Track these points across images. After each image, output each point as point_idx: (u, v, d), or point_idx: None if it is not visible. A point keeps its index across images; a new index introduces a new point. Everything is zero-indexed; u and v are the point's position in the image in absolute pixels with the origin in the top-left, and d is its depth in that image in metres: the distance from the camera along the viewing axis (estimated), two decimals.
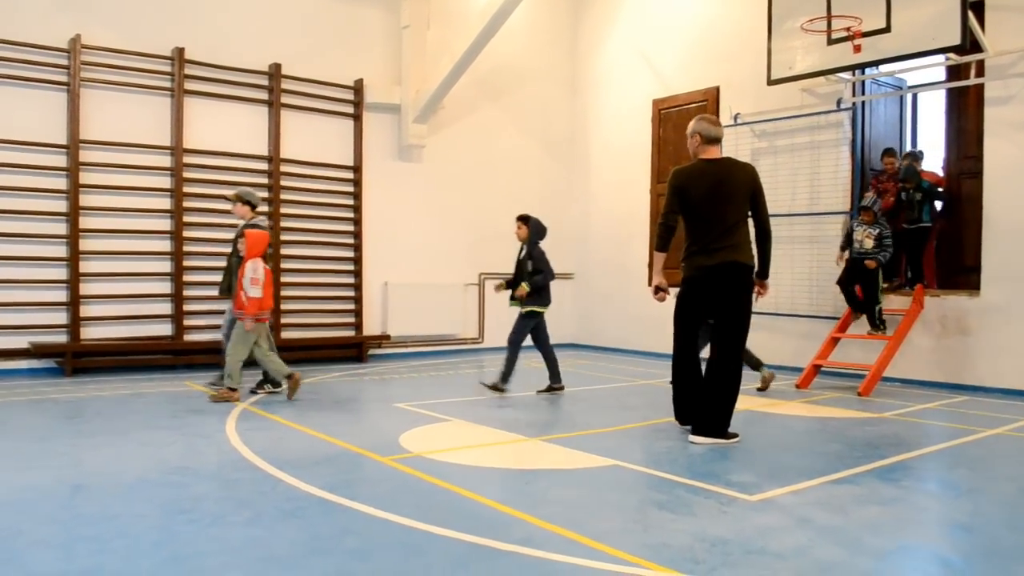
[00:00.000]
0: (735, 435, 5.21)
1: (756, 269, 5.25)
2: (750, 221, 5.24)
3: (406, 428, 5.50)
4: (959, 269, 7.93)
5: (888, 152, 8.03)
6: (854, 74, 8.26)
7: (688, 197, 5.16)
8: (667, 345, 9.82)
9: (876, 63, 7.50)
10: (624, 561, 3.05)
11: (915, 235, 7.92)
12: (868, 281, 7.67)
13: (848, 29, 7.43)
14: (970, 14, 6.84)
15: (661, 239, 5.35)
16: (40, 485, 3.96)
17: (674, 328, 5.40)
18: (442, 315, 10.22)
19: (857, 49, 7.46)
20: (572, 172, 11.69)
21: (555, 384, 7.22)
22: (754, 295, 5.28)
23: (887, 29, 7.25)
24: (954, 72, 7.99)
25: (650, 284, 10.33)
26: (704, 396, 5.20)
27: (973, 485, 4.27)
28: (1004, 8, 7.23)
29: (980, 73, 7.42)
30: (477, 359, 10.22)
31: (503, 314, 10.69)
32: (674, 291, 5.36)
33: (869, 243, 7.61)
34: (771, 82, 8.29)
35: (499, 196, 10.94)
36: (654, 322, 10.34)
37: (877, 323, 7.66)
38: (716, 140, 5.23)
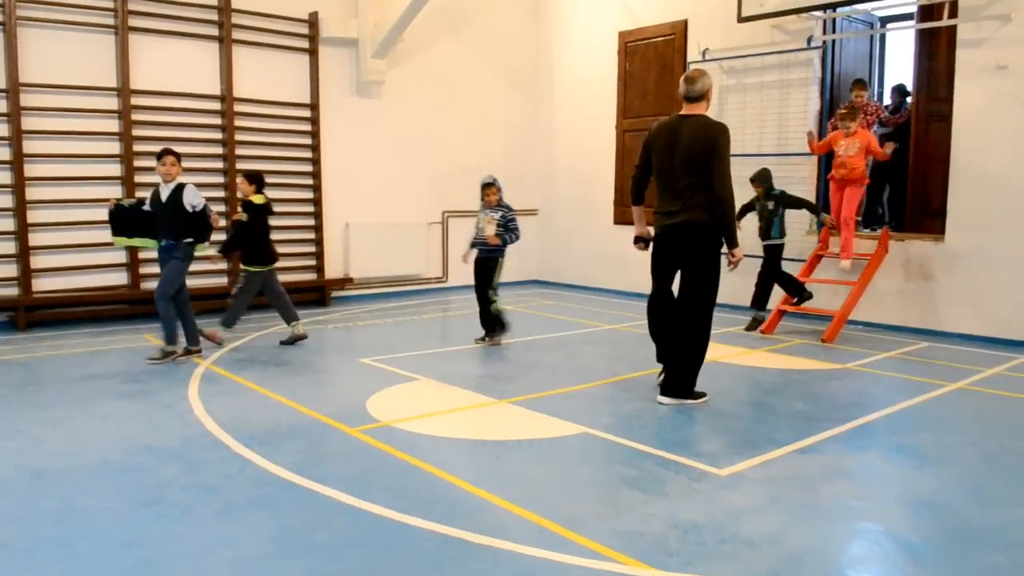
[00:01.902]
0: (702, 394, 5.25)
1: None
2: None
3: (373, 390, 5.44)
4: (925, 212, 7.96)
5: (859, 83, 7.81)
6: (826, 11, 8.04)
7: (651, 153, 5.17)
8: (629, 283, 10.03)
9: (850, 2, 7.30)
10: (597, 554, 3.06)
11: (768, 253, 7.71)
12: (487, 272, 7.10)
13: None
14: None
15: (632, 192, 5.44)
16: None
17: (651, 273, 5.40)
18: (406, 255, 10.08)
19: None
20: (536, 106, 11.40)
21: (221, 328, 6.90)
22: (729, 266, 5.20)
23: None
24: (926, 11, 7.83)
25: (615, 220, 10.36)
26: (670, 357, 5.24)
27: (937, 453, 4.35)
28: None
29: (953, 14, 7.27)
30: (442, 299, 10.15)
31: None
32: None
33: (492, 229, 7.00)
34: (742, 19, 8.08)
35: (462, 132, 10.66)
36: (617, 260, 10.35)
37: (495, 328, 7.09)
38: (691, 97, 5.04)
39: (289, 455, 4.11)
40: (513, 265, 11.19)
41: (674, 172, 5.03)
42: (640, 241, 5.55)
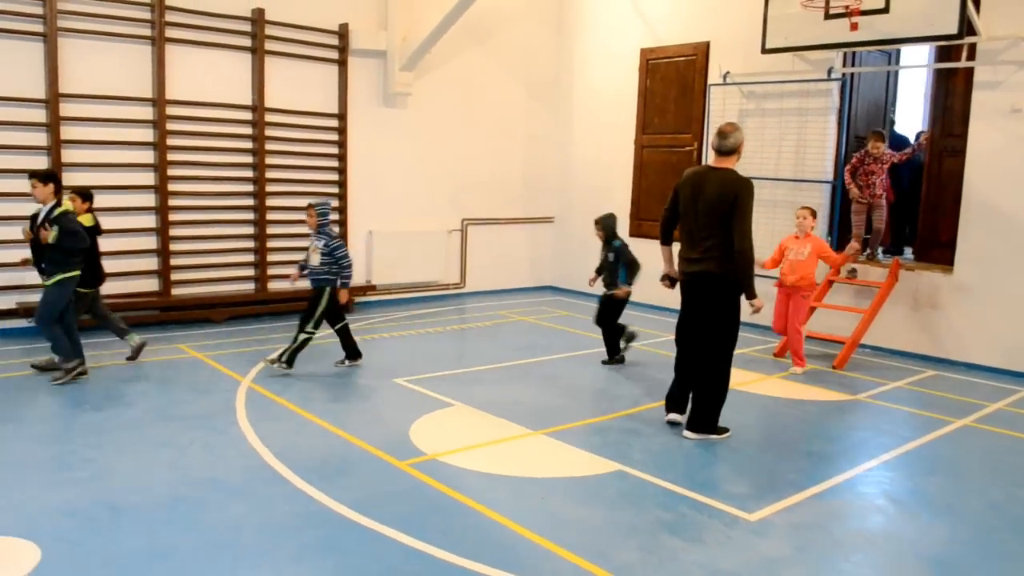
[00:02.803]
0: (725, 429, 5.55)
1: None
2: None
3: (413, 416, 5.71)
4: (935, 244, 8.24)
5: (876, 135, 8.08)
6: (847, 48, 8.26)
7: (679, 200, 5.44)
8: (643, 295, 10.28)
9: (872, 43, 7.54)
10: None
11: (606, 302, 7.45)
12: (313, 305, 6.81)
13: (847, 7, 7.41)
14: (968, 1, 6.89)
15: (661, 233, 5.76)
16: (77, 508, 4.09)
17: (676, 330, 5.65)
18: (426, 262, 10.32)
19: (854, 27, 7.48)
20: (555, 117, 11.60)
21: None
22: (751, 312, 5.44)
23: (885, 10, 7.27)
24: (944, 51, 8.06)
25: (631, 233, 10.59)
26: (695, 395, 5.54)
27: (947, 501, 4.66)
28: None
29: (972, 56, 7.51)
30: (460, 305, 10.41)
31: (485, 259, 10.88)
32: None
33: (316, 259, 6.71)
34: (765, 50, 8.28)
35: (482, 141, 10.87)
36: None
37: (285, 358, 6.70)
38: (722, 151, 5.27)
39: (348, 491, 4.38)
40: (527, 271, 11.53)
41: (696, 222, 5.29)
42: (667, 279, 5.81)
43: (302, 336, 6.68)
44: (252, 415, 5.65)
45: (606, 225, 7.41)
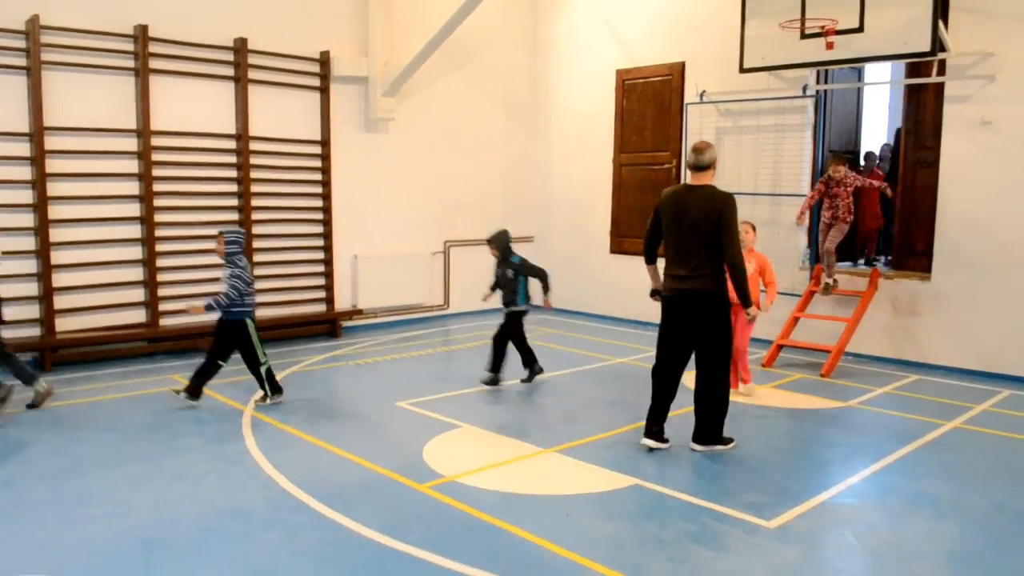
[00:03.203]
0: (730, 440, 5.67)
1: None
2: None
3: (423, 438, 5.74)
4: (911, 252, 8.52)
5: (836, 158, 8.13)
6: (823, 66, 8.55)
7: (660, 215, 5.47)
8: (625, 311, 10.45)
9: (848, 62, 7.82)
10: None
11: (509, 319, 7.29)
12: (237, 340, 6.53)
13: (823, 27, 7.69)
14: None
15: (644, 253, 5.75)
16: (103, 546, 4.04)
17: (657, 341, 5.61)
18: (410, 285, 10.36)
19: (830, 46, 7.75)
20: (533, 138, 11.75)
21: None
22: (748, 320, 5.60)
23: (860, 29, 7.55)
24: (914, 67, 8.39)
25: (612, 250, 10.77)
26: (698, 409, 5.57)
27: (952, 500, 4.82)
28: (968, 10, 7.60)
29: (941, 71, 7.83)
30: (445, 326, 10.45)
31: (467, 280, 10.95)
32: None
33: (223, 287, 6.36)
34: (743, 70, 8.53)
35: (463, 164, 10.97)
36: (613, 289, 10.80)
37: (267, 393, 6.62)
38: (699, 167, 5.36)
39: (375, 516, 4.39)
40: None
41: (683, 241, 5.33)
42: (656, 294, 5.78)
43: (263, 371, 6.53)
44: (261, 443, 5.62)
45: (500, 243, 7.25)
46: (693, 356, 5.55)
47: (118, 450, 5.47)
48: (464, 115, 10.89)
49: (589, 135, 11.00)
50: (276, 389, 6.64)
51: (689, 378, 5.73)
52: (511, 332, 7.31)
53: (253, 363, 6.52)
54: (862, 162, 9.88)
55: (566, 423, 6.28)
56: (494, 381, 7.29)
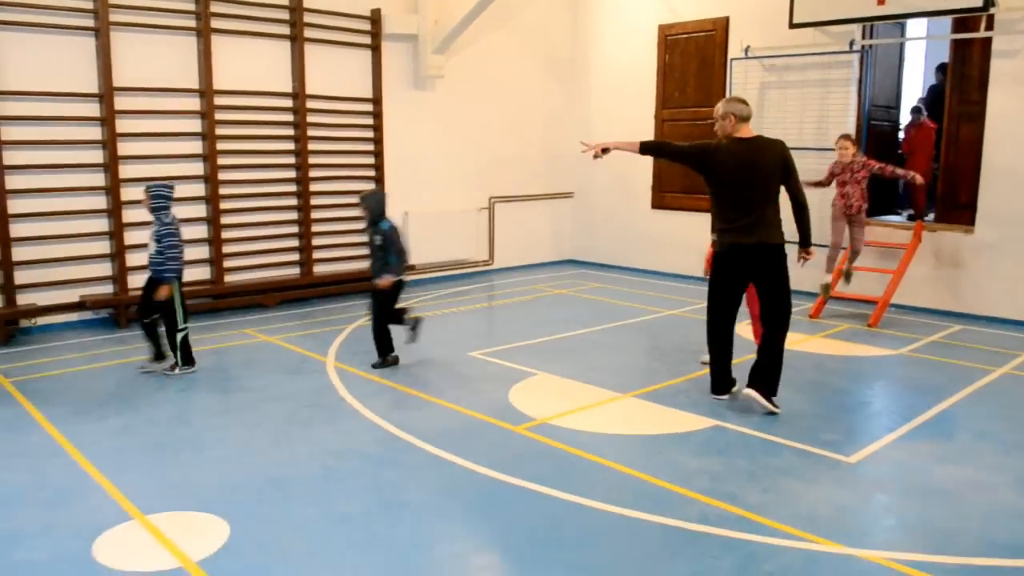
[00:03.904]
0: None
1: (799, 239, 5.52)
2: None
3: (504, 385, 6.03)
4: (954, 205, 8.72)
5: (845, 137, 8.00)
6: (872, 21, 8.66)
7: (720, 172, 5.37)
8: (665, 264, 10.70)
9: (900, 17, 7.95)
10: (793, 536, 3.76)
11: (380, 294, 6.51)
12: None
13: None
14: None
15: (652, 149, 5.80)
16: (237, 483, 4.35)
17: (709, 301, 5.64)
18: (458, 240, 10.60)
19: (881, 2, 7.87)
20: (573, 93, 11.86)
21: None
22: (800, 261, 5.63)
23: None
24: (960, 21, 8.49)
25: (653, 205, 10.95)
26: (768, 361, 5.47)
27: (1014, 438, 5.12)
28: None
29: (990, 26, 7.95)
30: (491, 281, 10.72)
31: (510, 235, 11.19)
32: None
33: (152, 246, 6.13)
34: (793, 25, 8.65)
35: (505, 120, 11.12)
36: (654, 242, 11.04)
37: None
38: (747, 119, 5.38)
39: (482, 455, 4.69)
40: (550, 246, 11.86)
41: (752, 193, 5.30)
42: (604, 151, 5.81)
43: (179, 337, 6.23)
44: (354, 391, 5.92)
45: (370, 204, 6.44)
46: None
47: (217, 400, 5.76)
48: (505, 71, 11.02)
49: (630, 90, 11.12)
50: (188, 359, 6.30)
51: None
52: (385, 307, 6.54)
53: (171, 327, 6.23)
54: (906, 117, 10.01)
55: (635, 370, 6.57)
56: (395, 361, 6.56)
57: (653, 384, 6.15)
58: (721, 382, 5.77)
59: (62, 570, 3.45)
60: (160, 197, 6.12)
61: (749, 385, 5.51)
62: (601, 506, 4.07)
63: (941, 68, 9.77)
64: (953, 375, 6.53)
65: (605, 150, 5.84)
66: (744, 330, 6.66)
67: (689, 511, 4.02)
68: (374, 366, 6.48)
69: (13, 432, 5.08)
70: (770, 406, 5.44)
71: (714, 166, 5.40)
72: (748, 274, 5.51)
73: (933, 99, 9.98)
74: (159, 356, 6.39)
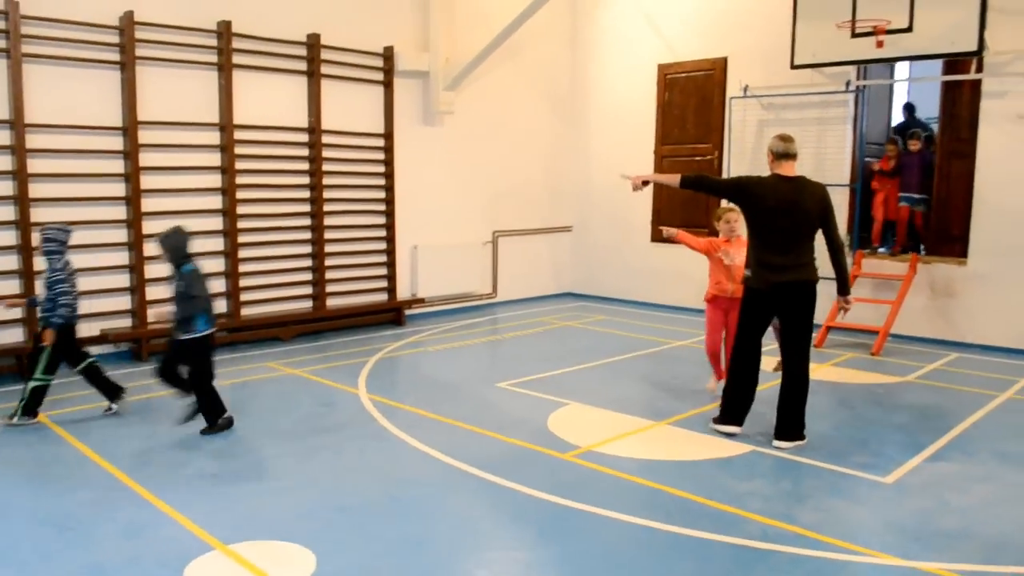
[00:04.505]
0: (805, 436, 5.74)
1: (837, 285, 5.60)
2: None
3: (540, 415, 6.18)
4: (947, 238, 9.14)
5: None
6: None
7: (759, 206, 5.41)
8: (665, 297, 10.97)
9: (897, 59, 8.39)
10: (860, 552, 3.98)
11: (178, 347, 5.67)
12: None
13: (874, 27, 8.23)
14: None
15: (692, 183, 5.69)
16: (305, 513, 4.44)
17: (736, 335, 5.73)
18: (464, 273, 10.77)
19: (880, 44, 8.31)
20: (573, 129, 12.17)
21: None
22: (841, 312, 5.79)
23: (909, 29, 8.11)
24: (951, 63, 8.98)
25: (653, 238, 11.23)
26: (790, 403, 5.54)
27: None
28: (1005, 11, 8.17)
29: (980, 68, 8.43)
30: (496, 314, 10.89)
31: (512, 268, 11.41)
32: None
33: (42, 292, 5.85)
34: (795, 66, 9.06)
35: (509, 155, 11.38)
36: (654, 275, 11.31)
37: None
38: (789, 156, 5.44)
39: (540, 481, 4.83)
40: (550, 279, 12.09)
41: (793, 230, 5.38)
42: (643, 183, 5.92)
43: (31, 384, 5.81)
44: (395, 422, 6.01)
45: (170, 245, 5.58)
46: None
47: (264, 432, 5.81)
48: (509, 107, 11.30)
49: (629, 126, 11.46)
50: (30, 410, 5.87)
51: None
52: (180, 363, 5.71)
53: (32, 371, 5.86)
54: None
55: (660, 399, 6.76)
56: (221, 426, 5.72)
57: (684, 412, 6.35)
58: (738, 412, 5.75)
59: None
60: (52, 241, 5.75)
61: (777, 438, 5.55)
62: (668, 528, 4.23)
63: (907, 107, 10.33)
64: (961, 400, 6.84)
65: (645, 182, 6.00)
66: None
67: (751, 530, 4.21)
68: (203, 433, 5.67)
69: (65, 467, 5.10)
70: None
71: (755, 200, 5.43)
72: (778, 309, 5.60)
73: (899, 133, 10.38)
74: (115, 391, 6.13)
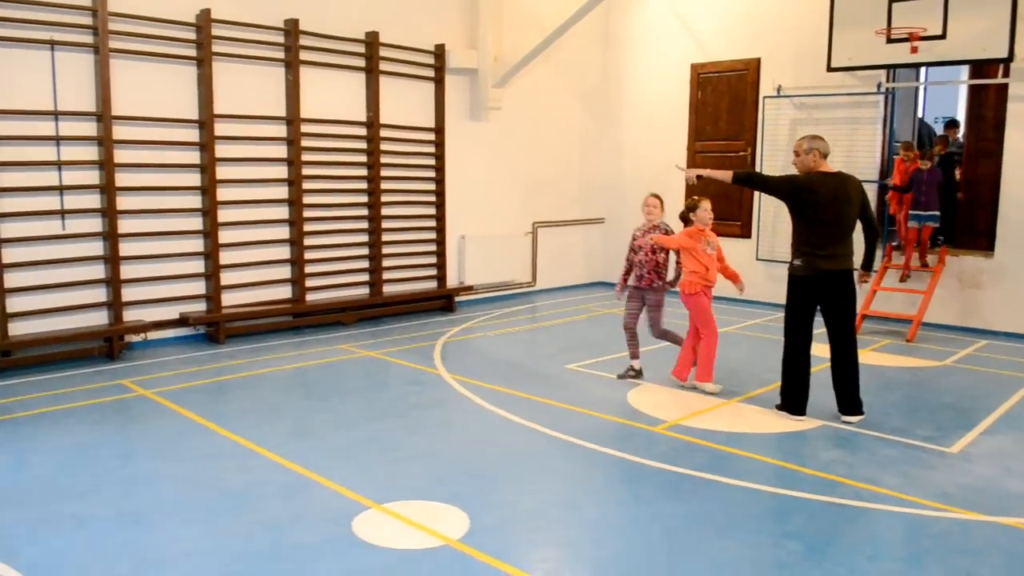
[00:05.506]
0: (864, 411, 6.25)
1: (864, 261, 6.14)
2: None
3: (619, 393, 6.62)
4: (973, 232, 9.66)
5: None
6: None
7: (812, 200, 5.82)
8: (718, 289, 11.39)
9: (930, 64, 8.89)
10: (945, 510, 4.44)
11: None
12: None
13: (909, 33, 8.72)
14: None
15: (744, 179, 6.21)
16: (439, 477, 4.85)
17: (786, 324, 6.07)
18: (507, 263, 11.20)
19: (914, 50, 8.80)
20: (606, 125, 12.61)
21: None
22: (860, 283, 6.17)
23: (943, 36, 8.61)
24: (977, 67, 9.49)
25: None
26: (847, 382, 6.01)
27: None
28: None
29: (1006, 73, 8.95)
30: (537, 301, 11.33)
31: (549, 258, 11.84)
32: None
33: None
34: (831, 69, 9.55)
35: (546, 149, 11.80)
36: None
37: None
38: (828, 155, 6.06)
39: (645, 451, 5.27)
40: (582, 269, 12.53)
41: (842, 221, 5.84)
42: (698, 178, 6.49)
43: None
44: (486, 399, 6.42)
45: None
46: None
47: (367, 408, 6.21)
48: (547, 104, 11.72)
49: (662, 123, 11.91)
50: None
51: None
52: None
53: None
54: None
55: (725, 379, 7.18)
56: None
57: (750, 391, 6.81)
58: (800, 402, 6.09)
59: (338, 550, 3.89)
60: None
61: (844, 414, 6.05)
62: (772, 489, 4.69)
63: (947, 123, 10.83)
64: (1000, 381, 7.36)
65: (699, 176, 6.45)
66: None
67: (845, 491, 4.68)
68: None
69: (195, 439, 5.46)
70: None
71: (812, 197, 5.85)
72: (824, 296, 6.00)
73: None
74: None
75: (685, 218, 6.98)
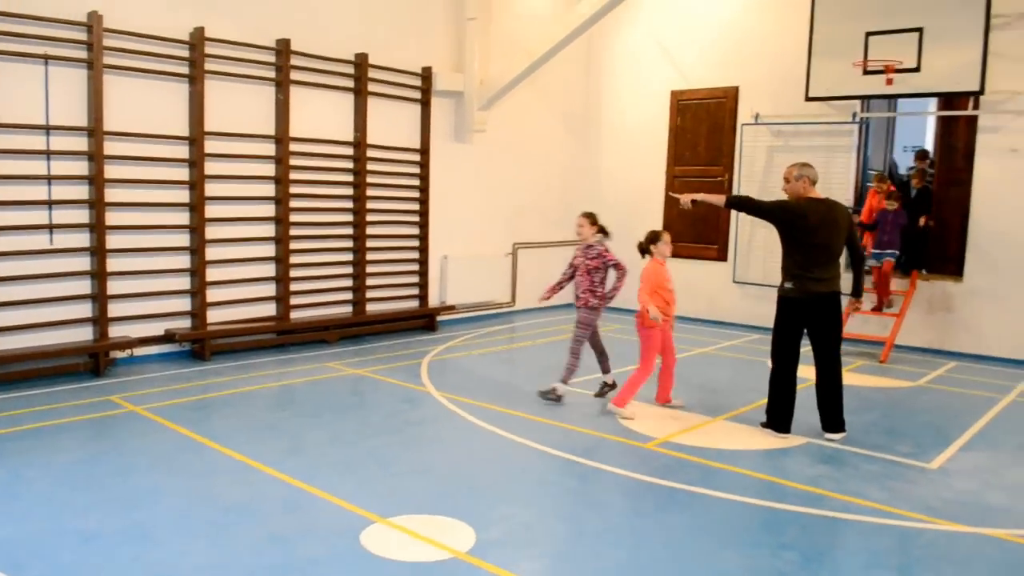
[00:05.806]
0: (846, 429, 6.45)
1: (853, 288, 6.39)
2: None
3: (608, 413, 6.72)
4: (944, 258, 9.99)
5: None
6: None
7: (804, 225, 5.99)
8: (678, 309, 11.59)
9: (905, 96, 9.23)
10: (930, 522, 4.62)
11: None
12: None
13: (886, 66, 9.06)
14: None
15: (736, 204, 6.40)
16: (439, 492, 4.91)
17: (775, 344, 6.24)
18: (487, 283, 11.32)
19: (889, 82, 9.14)
20: (586, 149, 12.83)
21: None
22: (852, 311, 6.52)
23: (917, 69, 8.96)
24: (947, 99, 9.87)
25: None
26: (830, 401, 6.22)
27: None
28: (1001, 55, 9.08)
29: (976, 105, 9.32)
30: (516, 321, 11.43)
31: (528, 279, 11.97)
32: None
33: None
34: (809, 98, 9.86)
35: (527, 171, 11.97)
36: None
37: None
38: (816, 182, 6.24)
39: (638, 466, 5.39)
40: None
41: (831, 248, 6.04)
42: (692, 203, 6.49)
43: None
44: (476, 416, 6.50)
45: None
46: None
47: (361, 425, 6.25)
48: (529, 127, 11.91)
49: (641, 148, 12.16)
50: None
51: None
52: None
53: None
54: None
55: (707, 398, 7.37)
56: None
57: (733, 410, 6.97)
58: (786, 420, 6.25)
59: (348, 562, 3.94)
60: None
61: (827, 431, 6.24)
62: (764, 503, 4.84)
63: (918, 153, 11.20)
64: (971, 401, 7.62)
65: (694, 201, 6.63)
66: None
67: (833, 504, 4.84)
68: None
69: (191, 454, 5.46)
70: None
71: (803, 222, 6.01)
72: (812, 318, 6.19)
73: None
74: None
75: (645, 249, 6.89)
